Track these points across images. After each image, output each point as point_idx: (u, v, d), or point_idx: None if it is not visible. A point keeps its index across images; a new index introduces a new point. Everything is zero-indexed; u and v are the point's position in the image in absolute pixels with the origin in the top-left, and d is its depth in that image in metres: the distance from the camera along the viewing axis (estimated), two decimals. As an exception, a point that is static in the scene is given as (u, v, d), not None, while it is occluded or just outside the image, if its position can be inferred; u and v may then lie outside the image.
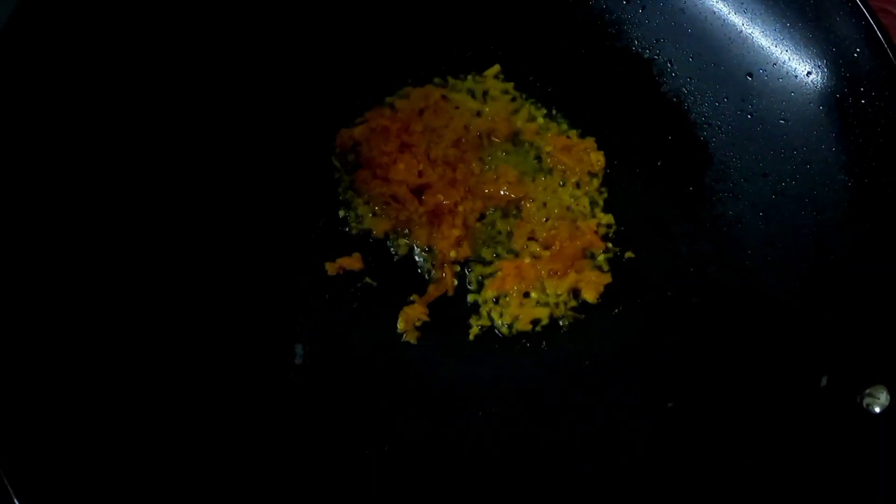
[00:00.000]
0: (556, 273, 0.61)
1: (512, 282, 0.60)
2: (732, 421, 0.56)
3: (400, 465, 0.55)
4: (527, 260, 0.61)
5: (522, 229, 0.62)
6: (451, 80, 0.66)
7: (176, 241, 0.56)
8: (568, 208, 0.63)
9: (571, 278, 0.61)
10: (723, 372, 0.58)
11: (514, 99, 0.65)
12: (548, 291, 0.61)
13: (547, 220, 0.63)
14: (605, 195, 0.64)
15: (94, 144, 0.53)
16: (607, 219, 0.63)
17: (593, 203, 0.64)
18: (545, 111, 0.66)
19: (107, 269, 0.52)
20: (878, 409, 0.52)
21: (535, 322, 0.60)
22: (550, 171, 0.64)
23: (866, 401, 0.52)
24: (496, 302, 0.61)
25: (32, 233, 0.49)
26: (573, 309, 0.61)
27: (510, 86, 0.65)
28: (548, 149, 0.64)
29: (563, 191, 0.63)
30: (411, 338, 0.59)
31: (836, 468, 0.52)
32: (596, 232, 0.62)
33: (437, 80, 0.66)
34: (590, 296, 0.61)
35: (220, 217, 0.59)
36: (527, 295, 0.61)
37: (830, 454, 0.52)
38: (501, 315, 0.60)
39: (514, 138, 0.65)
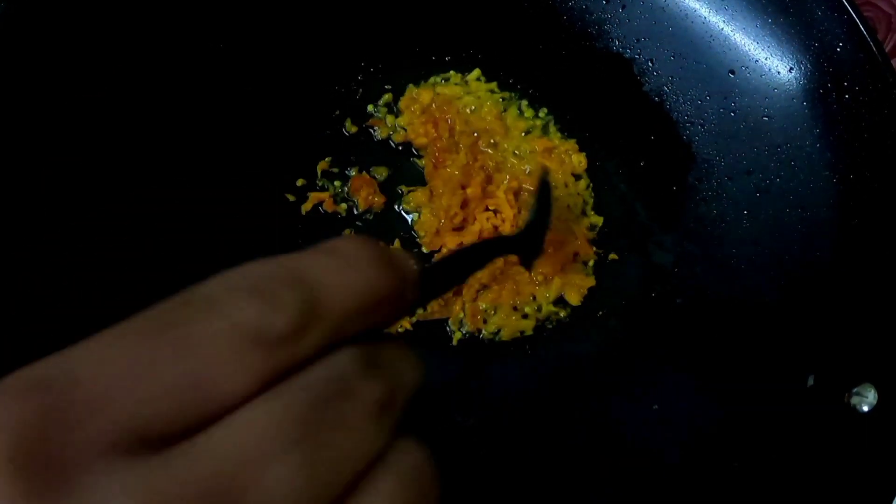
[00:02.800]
0: (546, 278, 0.60)
1: (508, 296, 0.60)
2: (718, 422, 0.55)
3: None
4: (525, 273, 0.61)
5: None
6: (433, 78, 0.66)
7: (155, 241, 0.56)
8: (567, 207, 0.62)
9: (558, 283, 0.60)
10: (707, 373, 0.57)
11: (502, 98, 0.65)
12: (538, 301, 0.60)
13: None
14: (594, 196, 0.63)
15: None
16: (597, 220, 0.62)
17: (585, 203, 0.63)
18: (533, 110, 0.65)
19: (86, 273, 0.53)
20: (866, 409, 0.51)
21: (521, 333, 0.60)
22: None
23: (854, 400, 0.52)
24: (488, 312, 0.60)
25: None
26: (556, 312, 0.60)
27: (494, 85, 0.65)
28: (530, 150, 0.63)
29: (556, 191, 0.63)
30: (393, 343, 0.59)
31: (823, 469, 0.51)
32: (587, 238, 0.61)
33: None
34: (573, 298, 0.60)
35: (205, 211, 0.58)
36: (515, 308, 0.60)
37: (818, 455, 0.52)
38: (486, 322, 0.60)
39: (504, 138, 0.64)
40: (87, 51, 0.57)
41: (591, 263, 0.62)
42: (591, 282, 0.61)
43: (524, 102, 0.65)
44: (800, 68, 0.59)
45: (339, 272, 0.24)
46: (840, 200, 0.57)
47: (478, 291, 0.60)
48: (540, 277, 0.60)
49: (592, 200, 0.63)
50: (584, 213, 0.63)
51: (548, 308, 0.60)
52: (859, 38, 0.57)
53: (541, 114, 0.65)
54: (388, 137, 0.64)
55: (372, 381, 0.23)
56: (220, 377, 0.20)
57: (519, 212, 0.61)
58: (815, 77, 0.59)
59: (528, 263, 0.54)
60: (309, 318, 0.22)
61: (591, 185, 0.63)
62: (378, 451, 0.23)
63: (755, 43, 0.61)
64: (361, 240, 0.25)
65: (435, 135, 0.62)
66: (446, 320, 0.60)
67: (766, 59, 0.60)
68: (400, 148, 0.64)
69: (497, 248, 0.47)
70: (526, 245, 0.52)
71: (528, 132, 0.64)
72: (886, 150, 0.56)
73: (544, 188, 0.54)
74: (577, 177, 0.63)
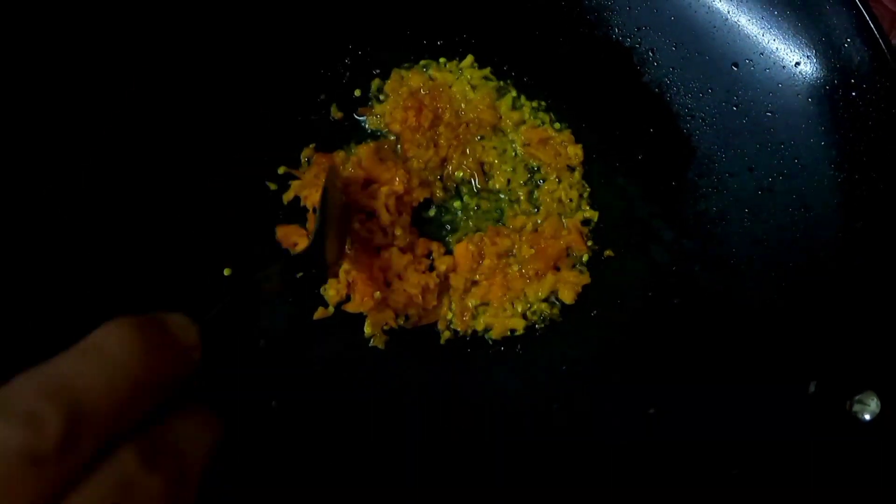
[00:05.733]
0: (537, 273, 0.58)
1: (498, 291, 0.57)
2: (717, 428, 0.53)
3: (369, 477, 0.52)
4: (515, 268, 0.58)
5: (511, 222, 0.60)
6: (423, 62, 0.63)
7: (129, 231, 0.54)
8: (559, 201, 0.60)
9: (550, 280, 0.58)
10: (706, 377, 0.55)
11: (497, 86, 0.62)
12: (529, 298, 0.58)
13: (537, 210, 0.60)
14: (589, 190, 0.61)
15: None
16: (592, 214, 0.60)
17: (580, 196, 0.61)
18: (528, 100, 0.63)
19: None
20: (867, 417, 0.50)
21: (511, 332, 0.58)
22: (538, 168, 0.61)
23: (856, 407, 0.51)
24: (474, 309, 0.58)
25: None
26: (549, 310, 0.58)
27: (487, 71, 0.62)
28: (522, 140, 0.61)
29: (549, 184, 0.60)
30: (379, 343, 0.56)
31: (824, 477, 0.50)
32: (580, 232, 0.59)
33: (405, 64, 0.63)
34: (567, 297, 0.58)
35: (187, 213, 0.56)
36: (512, 303, 0.58)
37: (818, 463, 0.50)
38: (475, 318, 0.57)
39: (496, 128, 0.61)
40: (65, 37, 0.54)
41: (584, 259, 0.59)
42: (586, 279, 0.58)
43: (515, 92, 0.62)
44: (806, 63, 0.57)
45: (99, 371, 0.24)
46: (844, 201, 0.56)
47: (465, 291, 0.58)
48: (531, 272, 0.58)
49: (588, 194, 0.60)
50: (578, 208, 0.60)
51: (539, 306, 0.58)
52: (868, 34, 0.55)
53: (535, 104, 0.62)
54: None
55: (154, 475, 0.24)
56: None
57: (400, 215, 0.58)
58: (822, 73, 0.57)
59: (319, 276, 0.49)
60: (75, 426, 0.22)
61: (587, 178, 0.61)
62: None
63: (761, 35, 0.59)
64: (121, 328, 0.26)
65: (415, 123, 0.59)
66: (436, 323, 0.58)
67: (771, 52, 0.58)
68: (392, 136, 0.61)
69: (280, 273, 0.46)
70: (311, 259, 0.48)
71: (522, 123, 0.61)
72: (893, 150, 0.54)
73: (324, 195, 0.51)
74: (572, 169, 0.61)
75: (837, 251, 0.55)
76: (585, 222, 0.60)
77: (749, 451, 0.52)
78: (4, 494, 0.21)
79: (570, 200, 0.60)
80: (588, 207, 0.60)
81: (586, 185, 0.61)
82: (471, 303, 0.58)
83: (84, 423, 0.23)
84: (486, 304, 0.58)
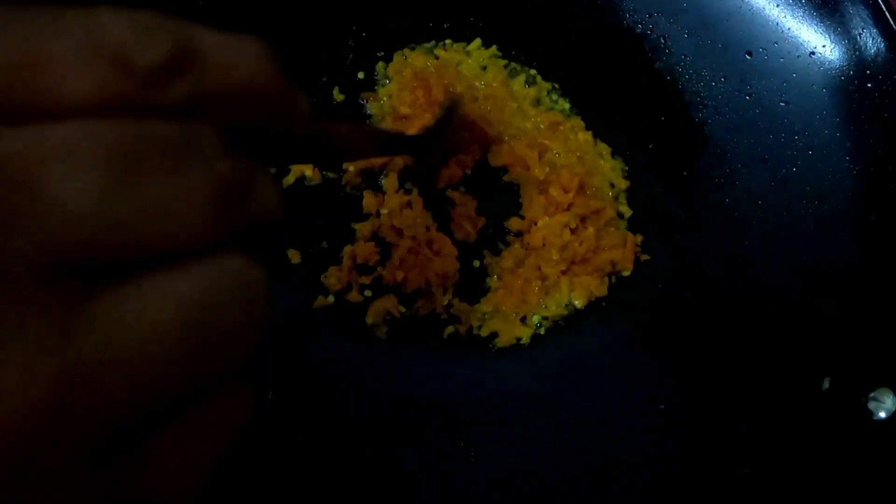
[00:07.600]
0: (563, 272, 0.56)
1: (512, 304, 0.55)
2: (728, 426, 0.52)
3: (366, 477, 0.51)
4: (536, 283, 0.56)
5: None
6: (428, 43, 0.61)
7: None
8: (612, 185, 0.58)
9: (564, 285, 0.56)
10: (717, 372, 0.54)
11: (507, 65, 0.61)
12: (549, 308, 0.56)
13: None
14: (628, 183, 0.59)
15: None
16: (626, 210, 0.58)
17: (612, 186, 0.59)
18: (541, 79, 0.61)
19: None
20: (883, 415, 0.49)
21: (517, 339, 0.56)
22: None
23: (871, 405, 0.49)
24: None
25: None
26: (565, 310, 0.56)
27: (494, 48, 0.61)
28: (530, 125, 0.59)
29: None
30: (381, 332, 0.54)
31: (838, 477, 0.49)
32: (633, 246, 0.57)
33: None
34: (580, 302, 0.56)
35: None
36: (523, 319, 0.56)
37: (832, 462, 0.49)
38: (480, 326, 0.56)
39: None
40: None
41: (626, 275, 0.57)
42: (603, 292, 0.56)
43: (533, 71, 0.61)
44: (821, 52, 0.56)
45: (228, 48, 0.21)
46: (859, 193, 0.55)
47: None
48: (557, 275, 0.56)
49: (625, 186, 0.59)
50: (616, 199, 0.58)
51: (555, 312, 0.56)
52: (884, 24, 0.54)
53: (549, 86, 0.60)
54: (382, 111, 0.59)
55: (228, 163, 0.20)
56: (61, 75, 0.18)
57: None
58: (837, 63, 0.56)
59: (424, 171, 0.52)
60: (182, 64, 0.19)
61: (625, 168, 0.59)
62: (203, 242, 0.20)
63: (775, 23, 0.58)
64: (264, 45, 0.23)
65: (423, 101, 0.57)
66: (438, 315, 0.56)
67: (785, 41, 0.57)
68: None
69: (400, 142, 0.49)
70: (423, 147, 0.51)
71: (537, 103, 0.59)
72: (910, 142, 0.54)
73: (452, 108, 0.53)
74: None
75: (852, 244, 0.54)
76: (620, 216, 0.58)
77: (760, 450, 0.51)
78: (66, 69, 0.18)
79: (613, 186, 0.58)
80: (625, 202, 0.58)
81: (624, 177, 0.59)
82: (484, 309, 0.56)
83: (190, 65, 0.20)
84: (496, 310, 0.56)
